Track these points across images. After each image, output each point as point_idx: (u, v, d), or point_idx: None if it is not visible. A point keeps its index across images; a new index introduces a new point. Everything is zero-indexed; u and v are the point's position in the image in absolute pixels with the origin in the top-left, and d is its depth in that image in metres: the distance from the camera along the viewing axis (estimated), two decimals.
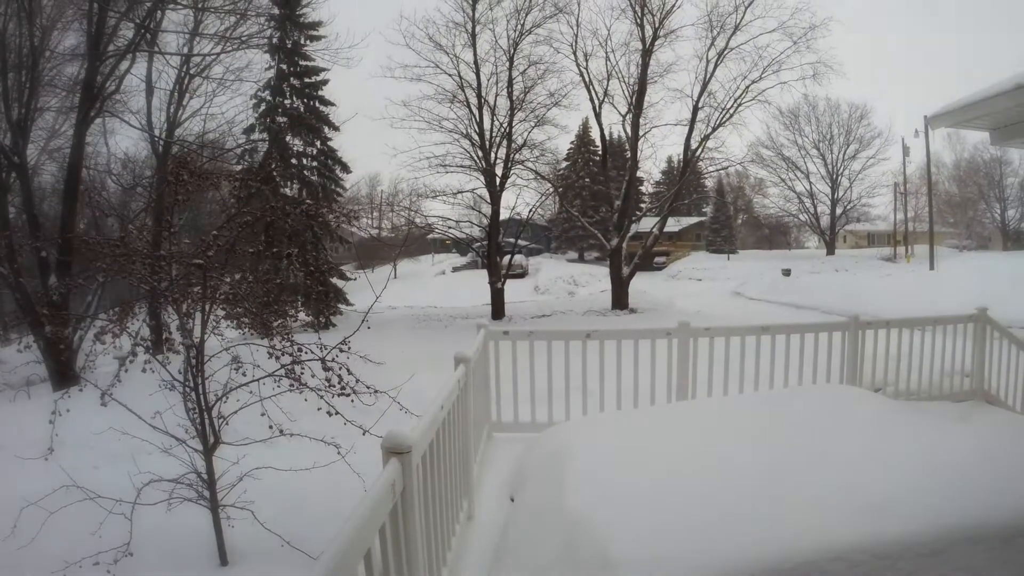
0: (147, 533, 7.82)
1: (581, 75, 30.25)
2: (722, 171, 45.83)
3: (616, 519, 3.62)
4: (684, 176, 33.00)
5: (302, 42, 28.97)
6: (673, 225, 66.60)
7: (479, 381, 7.35)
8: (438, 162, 29.08)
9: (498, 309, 29.65)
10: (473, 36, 28.44)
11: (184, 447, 8.22)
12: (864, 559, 3.18)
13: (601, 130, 32.05)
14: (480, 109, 29.02)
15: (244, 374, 8.63)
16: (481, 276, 34.07)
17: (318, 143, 29.91)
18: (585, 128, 66.27)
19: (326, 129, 30.10)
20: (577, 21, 29.35)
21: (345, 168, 31.26)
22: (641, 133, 30.82)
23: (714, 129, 30.69)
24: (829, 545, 3.22)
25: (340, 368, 8.74)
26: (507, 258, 31.46)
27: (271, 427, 8.62)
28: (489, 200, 29.73)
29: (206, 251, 8.33)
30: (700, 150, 31.33)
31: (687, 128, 30.97)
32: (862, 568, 3.17)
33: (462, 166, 29.66)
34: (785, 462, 4.04)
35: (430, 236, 38.40)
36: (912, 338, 9.50)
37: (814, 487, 3.70)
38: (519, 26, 28.60)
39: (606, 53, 30.29)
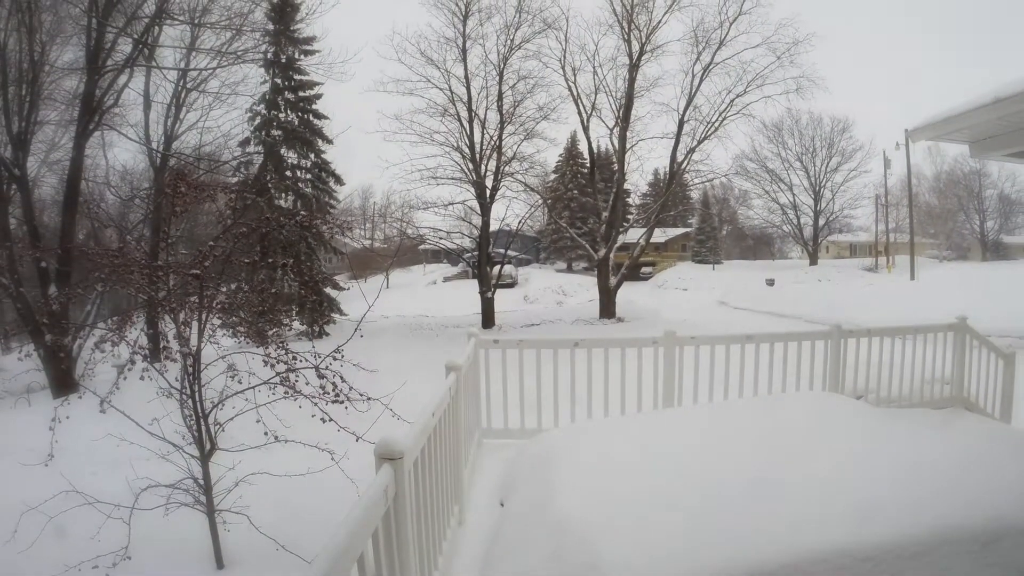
0: (145, 537, 7.81)
1: (569, 89, 30.38)
2: (707, 183, 46.22)
3: (604, 523, 3.62)
4: (670, 188, 33.05)
5: (296, 57, 29.00)
6: (659, 236, 66.68)
7: (470, 389, 7.36)
8: (429, 174, 29.15)
9: (488, 318, 29.66)
10: (464, 51, 28.62)
11: (181, 453, 8.21)
12: (848, 562, 3.20)
13: (589, 143, 32.20)
14: (471, 123, 29.14)
15: (240, 382, 8.64)
16: (471, 286, 34.10)
17: (312, 156, 29.89)
18: (573, 141, 66.40)
19: (320, 142, 30.09)
20: (565, 36, 29.53)
21: (338, 180, 31.21)
22: (628, 146, 30.91)
23: (699, 142, 30.81)
24: (814, 548, 3.24)
25: (334, 376, 8.74)
26: (497, 268, 31.57)
27: (266, 433, 8.64)
28: (479, 211, 29.77)
29: (203, 261, 8.32)
30: (686, 163, 31.40)
31: (673, 141, 31.11)
32: (846, 571, 3.18)
33: (453, 178, 29.72)
34: (770, 467, 4.05)
35: (421, 247, 38.52)
36: (893, 346, 9.52)
37: (798, 492, 3.71)
38: (509, 41, 28.80)
39: (594, 68, 30.46)
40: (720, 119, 30.34)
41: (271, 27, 27.32)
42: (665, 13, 29.44)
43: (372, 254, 43.36)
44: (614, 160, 32.72)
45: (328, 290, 27.50)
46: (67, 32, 20.08)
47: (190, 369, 8.08)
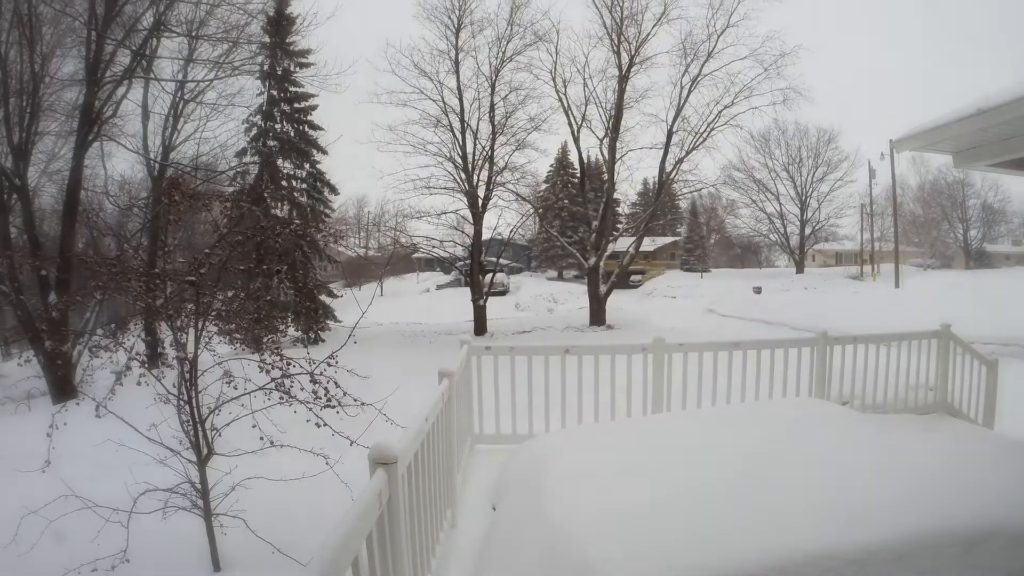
0: (143, 541, 7.82)
1: (560, 101, 30.58)
2: (695, 193, 46.02)
3: (594, 526, 3.62)
4: (659, 197, 33.23)
5: (292, 69, 29.10)
6: (648, 245, 66.78)
7: (462, 395, 7.33)
8: (423, 184, 29.32)
9: (480, 325, 29.72)
10: (456, 63, 28.81)
11: (178, 458, 8.21)
12: (834, 564, 3.19)
13: (579, 153, 32.43)
14: (463, 133, 29.28)
15: (236, 387, 8.64)
16: (464, 294, 34.09)
17: (307, 166, 29.97)
18: (564, 151, 66.60)
19: (315, 152, 30.18)
20: (556, 49, 29.76)
21: (333, 190, 31.32)
22: (618, 156, 31.05)
23: (688, 152, 30.98)
24: (800, 550, 3.24)
25: (328, 382, 8.74)
26: (489, 276, 31.55)
27: (262, 439, 8.63)
28: (472, 220, 29.93)
29: (199, 269, 8.32)
30: (674, 173, 31.55)
31: (662, 151, 31.27)
32: (832, 572, 3.17)
33: (446, 188, 29.89)
34: (757, 472, 4.05)
35: (415, 255, 38.56)
36: (878, 353, 9.52)
37: (785, 495, 3.71)
38: (500, 54, 29.02)
39: (584, 79, 30.64)
40: (708, 130, 30.55)
41: (267, 40, 27.41)
42: (654, 26, 29.72)
43: (366, 262, 43.33)
44: (604, 170, 32.86)
45: (323, 297, 27.51)
46: (67, 45, 20.09)
47: (187, 375, 8.07)
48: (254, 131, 28.89)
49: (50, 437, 8.85)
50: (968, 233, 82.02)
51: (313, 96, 29.53)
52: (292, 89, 29.37)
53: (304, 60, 29.15)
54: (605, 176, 32.38)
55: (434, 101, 28.97)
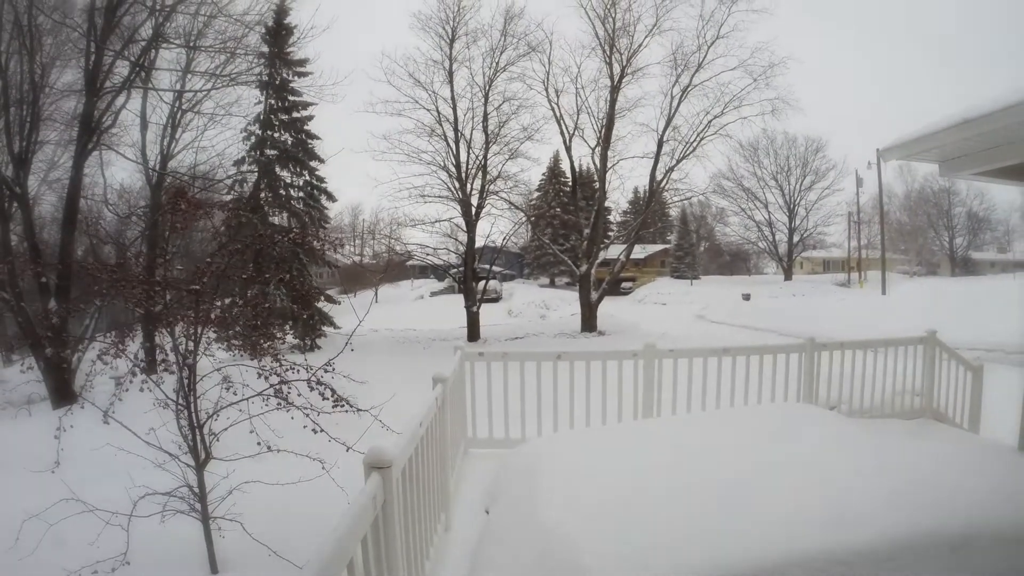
0: (142, 543, 7.80)
1: (553, 110, 30.63)
2: (685, 201, 46.08)
3: (586, 530, 3.62)
4: (650, 206, 33.09)
5: (289, 79, 28.96)
6: (639, 252, 66.65)
7: (456, 400, 7.35)
8: (417, 192, 29.28)
9: (474, 332, 29.67)
10: (450, 73, 28.81)
11: (177, 462, 8.20)
12: (822, 565, 3.21)
13: (571, 162, 32.39)
14: (457, 142, 29.30)
15: (234, 393, 8.66)
16: (458, 300, 34.05)
17: (305, 174, 29.82)
18: (556, 160, 66.68)
19: (312, 161, 30.05)
20: (549, 59, 29.75)
21: (330, 198, 31.17)
22: (609, 165, 30.97)
23: (678, 161, 30.92)
24: (790, 553, 3.25)
25: (324, 388, 8.74)
26: (482, 283, 31.55)
27: (259, 443, 8.62)
28: (465, 228, 29.85)
29: (199, 277, 8.33)
30: (665, 181, 31.48)
31: (653, 160, 31.20)
32: (821, 574, 3.19)
33: (440, 196, 29.81)
34: (746, 476, 4.06)
35: (409, 263, 38.51)
36: (865, 359, 9.55)
37: (774, 499, 3.72)
38: (494, 64, 29.01)
39: (576, 89, 30.63)
40: (698, 139, 30.50)
41: (265, 50, 27.29)
42: (646, 37, 29.70)
43: (362, 269, 43.30)
44: (595, 179, 32.77)
45: (320, 304, 27.44)
46: (67, 55, 20.12)
47: (186, 381, 8.08)
48: (252, 140, 28.70)
49: (58, 439, 8.89)
50: (954, 241, 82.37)
51: (311, 105, 29.48)
52: (290, 99, 29.24)
53: (302, 70, 29.07)
54: (597, 184, 32.29)
55: (428, 111, 29.01)
